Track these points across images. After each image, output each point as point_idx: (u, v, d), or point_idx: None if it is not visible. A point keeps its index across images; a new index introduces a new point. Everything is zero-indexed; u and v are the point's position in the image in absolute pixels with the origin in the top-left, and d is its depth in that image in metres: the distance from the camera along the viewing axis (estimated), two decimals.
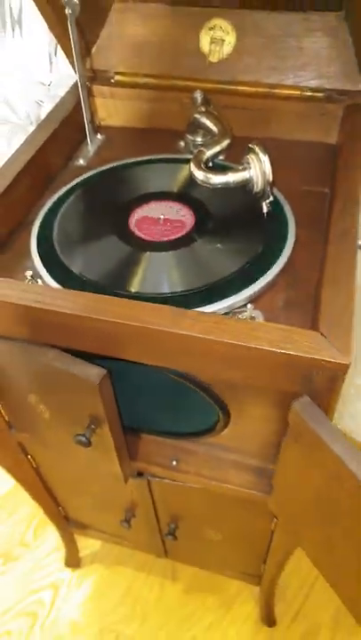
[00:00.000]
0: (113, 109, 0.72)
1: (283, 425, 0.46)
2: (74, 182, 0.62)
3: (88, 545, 1.12)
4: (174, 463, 0.63)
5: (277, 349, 0.38)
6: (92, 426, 0.53)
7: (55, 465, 0.74)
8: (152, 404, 0.59)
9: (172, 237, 0.54)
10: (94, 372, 0.46)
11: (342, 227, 0.48)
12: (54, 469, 0.76)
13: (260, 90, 0.65)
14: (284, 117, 0.66)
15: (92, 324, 0.43)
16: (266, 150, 0.51)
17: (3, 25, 0.76)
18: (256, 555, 0.79)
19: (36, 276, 0.52)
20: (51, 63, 0.82)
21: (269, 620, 0.99)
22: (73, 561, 1.08)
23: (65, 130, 0.66)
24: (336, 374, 0.39)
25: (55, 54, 0.81)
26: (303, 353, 0.38)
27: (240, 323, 0.41)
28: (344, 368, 0.38)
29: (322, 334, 0.39)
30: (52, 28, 0.63)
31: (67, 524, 0.94)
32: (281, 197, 0.58)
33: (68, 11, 0.59)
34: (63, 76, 0.83)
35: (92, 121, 0.70)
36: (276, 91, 0.65)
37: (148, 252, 0.53)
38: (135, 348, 0.45)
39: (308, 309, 0.48)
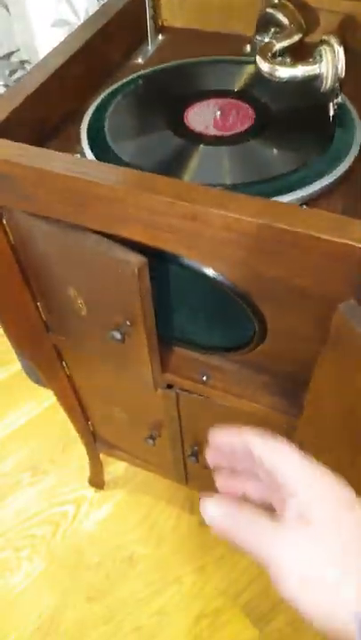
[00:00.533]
0: (177, 9, 0.68)
1: (320, 344, 0.44)
2: (132, 76, 0.59)
3: (112, 470, 1.15)
4: (205, 378, 0.62)
5: (333, 237, 0.36)
6: (127, 322, 0.52)
7: (87, 373, 0.75)
8: (188, 314, 0.58)
9: (228, 133, 0.51)
10: (135, 259, 0.45)
11: None
12: (86, 378, 0.76)
13: None
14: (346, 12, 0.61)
15: (139, 201, 0.41)
16: (341, 42, 0.47)
17: None
18: None
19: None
20: None
21: None
22: (97, 481, 1.11)
23: (124, 24, 0.63)
24: None
25: None
26: (357, 242, 0.35)
27: (292, 207, 0.38)
28: None
29: None
30: None
31: (94, 441, 0.95)
32: (348, 103, 0.53)
33: None
34: None
35: (153, 18, 0.66)
36: None
37: (200, 145, 0.50)
38: (179, 237, 0.43)
39: None
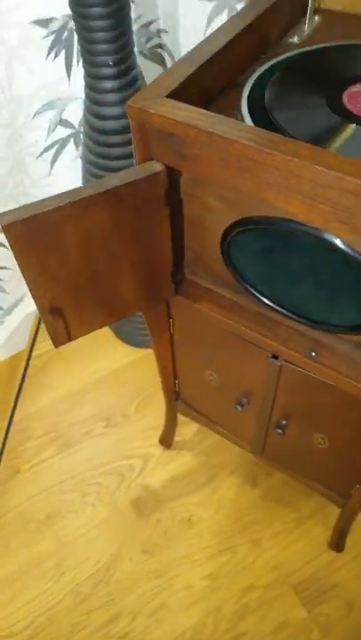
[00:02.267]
0: None
1: None
2: (292, 52, 0.61)
3: (181, 433, 1.20)
4: (313, 354, 0.64)
5: None
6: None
7: (193, 339, 0.79)
8: (311, 288, 0.60)
9: None
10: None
11: None
12: (189, 342, 0.80)
13: None
14: None
15: (307, 172, 0.43)
16: None
17: (69, 66, 0.77)
18: (355, 472, 0.80)
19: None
20: None
21: (338, 545, 1.02)
22: (167, 440, 1.16)
23: (284, 5, 0.65)
24: None
25: None
26: None
27: None
28: None
29: None
30: None
31: (175, 401, 1.00)
32: None
33: None
34: None
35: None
36: None
37: (355, 125, 0.52)
38: (337, 212, 0.45)
39: None
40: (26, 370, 1.34)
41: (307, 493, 1.11)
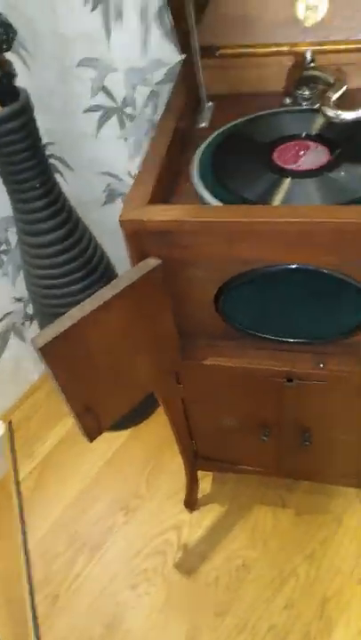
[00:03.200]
0: (218, 79, 0.83)
1: None
2: (214, 134, 0.74)
3: (200, 490, 1.24)
4: (321, 366, 0.74)
5: None
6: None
7: (203, 391, 0.86)
8: (306, 312, 0.70)
9: (312, 167, 0.66)
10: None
11: None
12: (201, 395, 0.87)
13: (352, 46, 0.77)
14: None
15: (298, 227, 0.54)
16: None
17: (109, 20, 0.87)
18: None
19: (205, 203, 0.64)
20: (143, 50, 0.93)
21: None
22: (192, 500, 1.20)
23: (188, 100, 0.78)
24: None
25: (146, 43, 0.92)
26: None
27: None
28: None
29: None
30: (172, 10, 0.75)
31: (195, 460, 1.05)
32: None
33: None
34: (152, 61, 0.95)
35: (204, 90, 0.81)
36: None
37: (292, 179, 0.64)
38: (325, 248, 0.56)
39: None
40: (19, 496, 1.31)
41: (330, 493, 1.19)
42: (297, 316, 0.70)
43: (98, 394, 0.66)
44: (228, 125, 0.76)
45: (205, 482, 1.25)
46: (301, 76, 0.75)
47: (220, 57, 0.81)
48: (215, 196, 0.64)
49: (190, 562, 1.15)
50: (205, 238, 0.58)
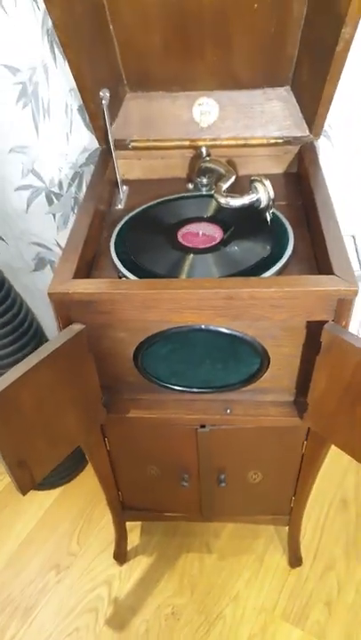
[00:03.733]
0: (131, 167, 0.97)
1: (307, 357, 0.71)
2: (128, 216, 0.86)
3: (129, 542, 1.28)
4: (228, 411, 0.85)
5: (321, 288, 0.63)
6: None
7: (128, 445, 0.93)
8: (211, 366, 0.81)
9: (209, 244, 0.79)
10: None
11: (327, 212, 0.74)
12: (125, 446, 0.94)
13: (239, 142, 0.93)
14: (257, 159, 0.94)
15: (194, 295, 0.66)
16: (266, 178, 0.78)
17: (39, 116, 0.99)
18: (288, 489, 1.01)
19: (122, 276, 0.74)
20: (67, 139, 1.06)
21: (296, 559, 1.20)
22: (122, 553, 1.23)
23: (105, 186, 0.90)
24: (351, 297, 0.64)
25: (70, 132, 1.05)
26: (333, 287, 0.63)
27: (291, 277, 0.66)
28: (354, 293, 0.63)
29: (337, 276, 0.65)
30: (89, 114, 0.88)
31: (122, 511, 1.10)
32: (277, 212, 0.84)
33: (103, 100, 0.84)
34: (75, 147, 1.08)
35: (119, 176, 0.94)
36: (250, 142, 0.93)
37: (194, 255, 0.77)
38: (217, 312, 0.68)
39: (314, 271, 0.74)
40: None
41: (252, 535, 1.28)
42: (204, 368, 0.81)
43: (31, 448, 0.72)
44: (140, 208, 0.88)
45: (134, 534, 1.30)
46: (199, 166, 0.90)
47: (132, 149, 0.95)
48: (130, 270, 0.75)
49: (121, 616, 1.17)
50: (122, 306, 0.68)
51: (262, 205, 0.79)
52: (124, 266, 0.76)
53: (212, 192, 0.81)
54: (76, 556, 1.28)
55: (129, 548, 1.27)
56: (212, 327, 0.72)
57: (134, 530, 1.30)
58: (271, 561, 1.24)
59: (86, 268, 0.76)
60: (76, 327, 0.71)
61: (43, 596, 1.21)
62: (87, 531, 1.32)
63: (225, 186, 0.82)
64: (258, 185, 0.78)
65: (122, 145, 0.95)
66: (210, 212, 0.86)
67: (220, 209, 0.84)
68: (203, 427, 0.88)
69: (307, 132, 0.92)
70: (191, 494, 1.03)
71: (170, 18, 0.78)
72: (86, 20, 0.77)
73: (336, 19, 0.71)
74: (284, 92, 0.91)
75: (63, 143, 1.06)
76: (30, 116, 1.00)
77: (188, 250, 0.78)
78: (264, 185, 0.77)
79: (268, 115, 0.92)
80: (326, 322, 0.68)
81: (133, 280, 0.69)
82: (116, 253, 0.79)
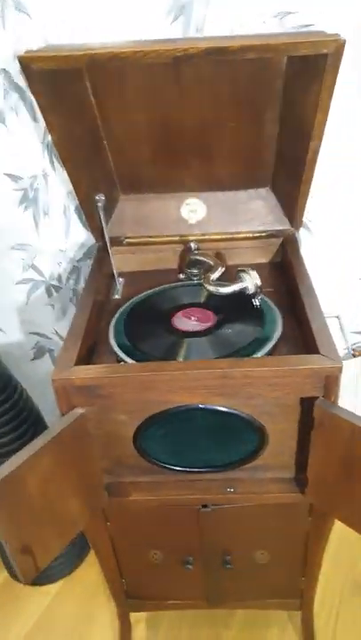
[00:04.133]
0: (125, 261, 1.05)
1: (303, 433, 0.75)
2: (125, 305, 0.92)
3: (135, 636, 1.22)
4: (230, 490, 0.86)
5: (308, 366, 0.68)
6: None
7: (129, 526, 0.93)
8: (209, 446, 0.84)
9: (203, 329, 0.85)
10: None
11: (310, 297, 0.81)
12: (128, 530, 0.94)
13: (225, 236, 1.02)
14: (243, 250, 1.03)
15: (191, 376, 0.70)
16: (253, 268, 0.85)
17: (38, 217, 1.09)
18: (296, 569, 0.99)
19: (121, 360, 0.79)
20: (66, 237, 1.15)
21: None
22: None
23: (102, 279, 0.97)
24: (336, 374, 0.69)
25: (68, 230, 1.14)
26: (319, 365, 0.68)
27: (281, 357, 0.71)
28: (338, 370, 0.69)
29: (323, 355, 0.70)
30: (86, 216, 0.98)
31: (126, 601, 1.07)
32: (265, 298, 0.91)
33: (99, 204, 0.93)
34: (73, 243, 1.17)
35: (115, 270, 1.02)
36: (235, 236, 1.02)
37: (188, 339, 0.83)
38: (212, 390, 0.72)
39: (301, 350, 0.79)
40: None
41: (265, 623, 1.23)
42: (204, 448, 0.84)
43: (35, 533, 0.73)
44: (136, 298, 0.95)
45: (139, 628, 1.24)
46: (189, 259, 0.98)
47: (127, 245, 1.04)
48: (128, 355, 0.80)
49: None
50: (121, 389, 0.73)
51: (250, 292, 0.86)
52: (123, 351, 0.81)
53: (202, 281, 0.88)
54: None
55: None
56: (209, 406, 0.76)
57: (139, 624, 1.25)
58: None
59: (87, 356, 0.81)
60: (78, 411, 0.75)
61: None
62: (90, 627, 1.27)
63: (213, 276, 0.89)
64: (244, 275, 0.86)
65: (117, 241, 1.03)
66: (202, 299, 0.93)
67: (212, 297, 0.90)
68: (205, 506, 0.89)
69: (288, 226, 1.01)
70: (196, 579, 1.01)
71: (156, 134, 0.89)
72: (83, 137, 0.88)
73: (305, 135, 0.82)
74: (265, 192, 1.01)
75: (62, 240, 1.15)
76: (31, 217, 1.10)
77: (183, 334, 0.84)
78: (250, 275, 0.85)
79: (252, 212, 1.02)
80: (317, 398, 0.72)
81: (132, 364, 0.73)
82: (115, 340, 0.84)
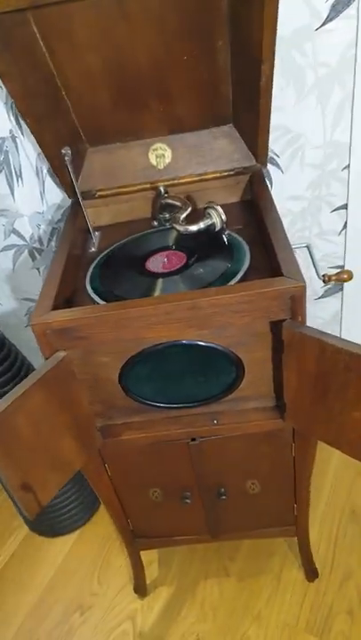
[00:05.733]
0: (99, 214, 1.06)
1: (277, 360, 0.77)
2: (102, 255, 0.94)
3: (148, 575, 1.29)
4: (215, 422, 0.90)
5: (271, 288, 0.71)
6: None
7: (126, 465, 0.98)
8: (191, 381, 0.87)
9: (174, 268, 0.87)
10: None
11: (276, 229, 0.83)
12: (125, 470, 0.99)
13: (194, 179, 1.03)
14: (213, 191, 1.04)
15: (161, 310, 0.73)
16: (217, 204, 0.86)
17: (12, 180, 1.10)
18: (288, 496, 1.04)
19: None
20: (42, 199, 1.16)
21: (312, 572, 1.21)
22: (141, 586, 1.24)
23: (78, 233, 0.99)
24: (300, 293, 0.71)
25: (44, 192, 1.16)
26: (283, 286, 0.70)
27: (248, 283, 0.73)
28: (302, 288, 0.71)
29: (286, 276, 0.72)
30: (56, 172, 0.99)
31: (133, 539, 1.13)
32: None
33: (66, 157, 0.94)
34: (51, 205, 1.18)
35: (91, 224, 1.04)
36: (204, 177, 1.03)
37: (161, 279, 0.85)
38: (185, 323, 0.75)
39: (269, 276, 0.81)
40: None
41: (267, 553, 1.29)
42: (186, 383, 0.87)
43: (33, 471, 0.77)
44: (110, 247, 0.97)
45: (152, 568, 1.31)
46: (160, 204, 0.99)
47: (99, 197, 1.05)
48: (105, 300, 0.82)
49: None
50: (98, 329, 0.75)
51: (217, 229, 0.87)
52: (99, 295, 0.84)
53: (171, 223, 0.90)
54: (97, 596, 1.29)
55: (148, 581, 1.28)
56: (185, 341, 0.78)
57: (153, 564, 1.32)
58: (289, 577, 1.24)
59: (65, 305, 0.83)
60: (60, 354, 0.78)
61: (69, 637, 1.22)
62: (106, 570, 1.34)
63: (182, 216, 0.91)
64: (211, 211, 0.87)
65: (89, 195, 1.05)
66: (173, 241, 0.94)
67: (182, 238, 0.92)
68: (193, 440, 0.92)
69: (254, 162, 1.02)
70: (196, 513, 1.06)
71: (112, 77, 0.89)
72: (40, 88, 0.88)
73: (255, 59, 0.81)
74: (228, 129, 1.01)
75: (38, 203, 1.17)
76: (5, 181, 1.11)
77: (156, 275, 0.86)
78: (216, 210, 0.86)
79: (217, 151, 1.02)
80: (285, 320, 0.74)
81: (105, 304, 0.76)
82: (91, 287, 0.86)
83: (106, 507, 1.04)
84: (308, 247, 0.92)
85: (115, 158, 1.04)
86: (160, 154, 1.03)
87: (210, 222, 0.87)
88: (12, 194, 1.14)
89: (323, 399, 0.78)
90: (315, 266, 0.91)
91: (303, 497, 1.03)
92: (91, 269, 0.91)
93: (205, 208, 0.88)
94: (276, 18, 0.74)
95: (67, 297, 0.86)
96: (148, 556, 1.31)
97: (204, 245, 0.91)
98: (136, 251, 0.94)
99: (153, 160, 1.03)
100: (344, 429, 0.78)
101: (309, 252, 0.92)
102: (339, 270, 0.95)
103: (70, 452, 0.84)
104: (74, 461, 0.86)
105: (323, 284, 0.95)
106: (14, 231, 1.20)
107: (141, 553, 1.21)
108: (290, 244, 0.80)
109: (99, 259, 0.94)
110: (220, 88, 0.93)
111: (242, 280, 0.82)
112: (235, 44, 0.85)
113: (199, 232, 0.88)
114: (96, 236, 1.04)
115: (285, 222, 1.09)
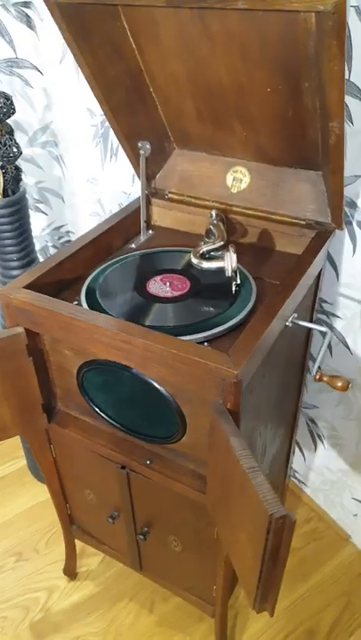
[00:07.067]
0: (163, 215, 1.04)
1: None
2: (123, 256, 0.93)
3: (87, 563, 1.30)
4: (148, 462, 0.84)
5: (198, 359, 0.63)
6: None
7: (68, 456, 0.98)
8: (137, 411, 0.82)
9: (172, 296, 0.81)
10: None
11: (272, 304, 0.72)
12: (67, 460, 0.99)
13: (262, 214, 0.94)
14: (275, 234, 0.94)
15: (98, 330, 0.69)
16: (236, 251, 0.78)
17: (105, 155, 1.13)
18: (208, 574, 0.94)
19: (78, 302, 0.81)
20: (133, 181, 1.17)
21: None
22: (70, 569, 1.26)
23: (126, 223, 0.98)
24: (230, 381, 0.61)
25: (135, 178, 1.17)
26: (213, 363, 0.62)
27: (185, 342, 0.66)
28: (233, 376, 0.61)
29: (228, 355, 0.63)
30: (131, 161, 0.98)
31: (70, 524, 1.14)
32: (252, 281, 0.83)
33: (141, 152, 0.93)
34: (139, 189, 1.19)
35: (147, 220, 1.02)
36: (273, 216, 0.93)
37: (156, 304, 0.80)
38: (122, 353, 0.70)
39: None
40: None
41: (199, 617, 1.19)
42: (134, 409, 0.83)
43: None
44: (132, 253, 0.94)
45: (94, 559, 1.31)
46: (207, 227, 0.93)
47: (169, 199, 1.02)
48: (89, 300, 0.81)
49: (44, 627, 1.19)
50: (49, 322, 0.75)
51: (228, 275, 0.79)
52: (86, 294, 0.83)
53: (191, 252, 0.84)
54: (38, 554, 1.34)
55: (85, 569, 1.30)
56: (134, 371, 0.74)
57: (96, 556, 1.32)
58: None
59: (54, 286, 0.84)
60: (18, 329, 0.79)
61: None
62: (60, 537, 1.37)
63: (204, 249, 0.84)
64: (225, 255, 0.79)
65: (160, 194, 1.03)
66: (184, 266, 0.89)
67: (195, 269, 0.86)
68: (123, 468, 0.88)
69: (329, 220, 0.89)
70: (122, 536, 1.03)
71: (197, 88, 0.84)
72: (122, 79, 0.87)
73: (326, 114, 0.70)
74: (315, 176, 0.89)
75: (127, 184, 1.18)
76: (99, 154, 1.14)
77: (151, 297, 0.82)
78: (230, 256, 0.78)
79: (296, 194, 0.91)
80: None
81: (60, 302, 0.75)
82: (89, 284, 0.85)
83: (47, 485, 1.06)
84: (326, 333, 0.79)
85: (196, 167, 1.00)
86: (238, 177, 0.95)
87: (220, 265, 0.79)
88: (102, 167, 1.17)
89: (224, 499, 0.68)
90: (318, 354, 0.78)
91: (222, 584, 0.92)
92: (103, 266, 0.90)
93: (225, 249, 0.80)
94: (343, 74, 0.62)
95: (68, 279, 0.87)
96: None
97: (214, 283, 0.83)
98: (148, 265, 0.90)
99: (229, 182, 0.96)
100: (236, 543, 0.67)
101: (323, 338, 0.78)
102: (335, 374, 0.80)
103: (5, 419, 0.87)
104: (8, 428, 0.88)
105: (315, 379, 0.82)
106: (99, 202, 1.24)
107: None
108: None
109: (117, 259, 0.92)
110: (307, 130, 0.81)
111: (221, 336, 0.73)
112: (321, 91, 0.74)
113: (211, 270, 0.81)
114: (149, 234, 1.02)
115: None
